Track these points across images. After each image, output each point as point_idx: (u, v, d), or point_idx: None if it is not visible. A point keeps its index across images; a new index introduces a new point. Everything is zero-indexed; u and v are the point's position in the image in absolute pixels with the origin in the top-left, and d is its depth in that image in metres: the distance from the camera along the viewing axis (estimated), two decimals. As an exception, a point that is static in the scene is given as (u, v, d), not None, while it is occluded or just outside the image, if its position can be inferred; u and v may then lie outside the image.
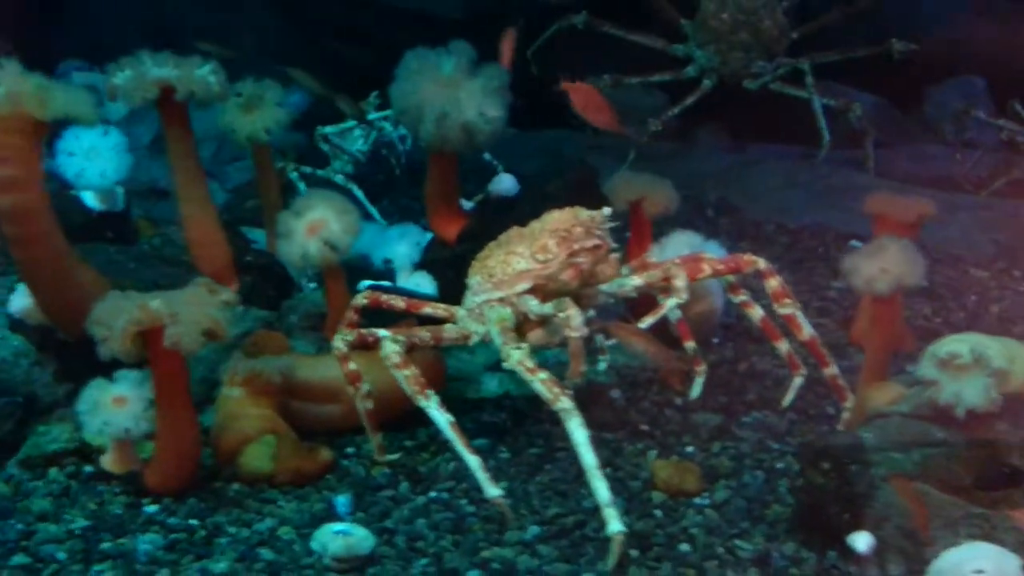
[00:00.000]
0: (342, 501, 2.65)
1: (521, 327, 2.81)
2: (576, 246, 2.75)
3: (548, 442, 2.97)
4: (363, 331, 2.80)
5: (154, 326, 2.47)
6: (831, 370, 2.95)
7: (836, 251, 4.37)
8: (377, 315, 3.08)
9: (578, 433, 2.39)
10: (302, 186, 4.80)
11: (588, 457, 2.37)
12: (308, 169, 4.87)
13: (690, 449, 2.91)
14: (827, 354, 2.95)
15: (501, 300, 2.79)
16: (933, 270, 4.16)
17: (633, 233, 3.68)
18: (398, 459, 2.88)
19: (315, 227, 3.22)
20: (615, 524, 2.33)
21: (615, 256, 2.83)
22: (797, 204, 5.02)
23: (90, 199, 3.80)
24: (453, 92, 3.40)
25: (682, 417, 3.11)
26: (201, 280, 2.63)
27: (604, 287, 2.87)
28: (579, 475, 2.73)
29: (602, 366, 3.37)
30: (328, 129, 4.95)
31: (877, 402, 2.49)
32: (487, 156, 4.98)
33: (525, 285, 2.77)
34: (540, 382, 2.44)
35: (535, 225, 2.86)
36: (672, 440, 2.97)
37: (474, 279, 2.87)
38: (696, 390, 3.19)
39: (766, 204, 5.04)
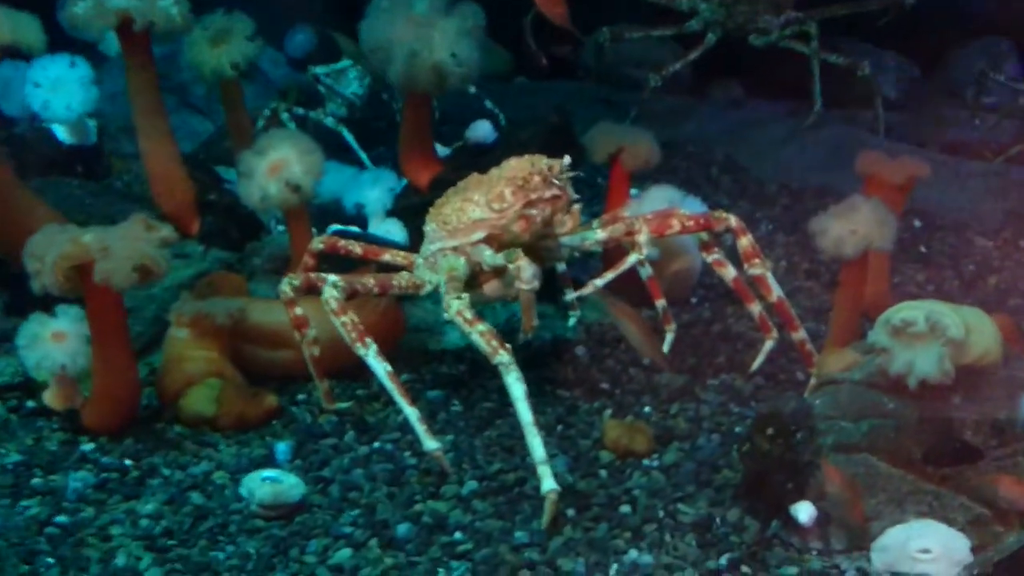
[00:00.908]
0: (282, 448, 2.65)
1: (477, 278, 2.78)
2: (533, 196, 2.71)
3: (503, 397, 2.91)
4: (311, 275, 2.78)
5: (85, 261, 2.46)
6: (799, 334, 2.91)
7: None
8: (342, 262, 3.07)
9: (515, 388, 2.37)
10: (292, 127, 4.76)
11: (525, 413, 2.36)
12: (300, 110, 4.82)
13: (647, 409, 2.88)
14: (795, 317, 2.90)
15: (455, 249, 2.76)
16: (934, 237, 4.10)
17: (611, 187, 3.63)
18: (348, 408, 2.87)
19: (276, 167, 3.19)
20: (548, 482, 2.32)
21: (576, 208, 2.78)
22: (803, 164, 4.93)
23: (61, 132, 3.79)
24: (425, 31, 3.34)
25: (646, 377, 3.07)
26: (139, 216, 2.61)
27: (566, 240, 2.83)
28: (536, 420, 2.73)
29: (571, 322, 3.36)
30: (320, 69, 4.90)
31: (830, 368, 2.45)
32: (488, 103, 4.93)
33: (479, 234, 2.74)
34: (478, 334, 2.42)
35: (493, 173, 2.82)
36: (630, 400, 2.94)
37: (429, 226, 2.84)
38: (664, 348, 3.15)
39: (771, 163, 4.95)
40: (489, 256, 2.71)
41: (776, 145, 5.03)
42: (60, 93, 3.57)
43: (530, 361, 3.12)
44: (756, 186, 4.74)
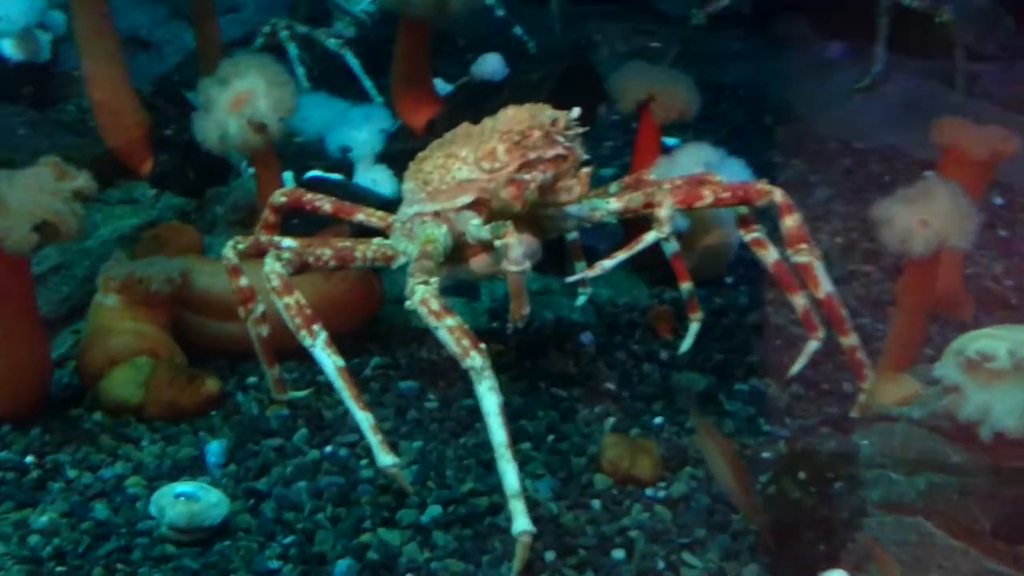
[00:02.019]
0: (214, 449, 2.30)
1: (463, 250, 2.40)
2: (532, 155, 2.31)
3: (488, 394, 2.57)
4: (263, 238, 2.41)
5: (-25, 217, 2.11)
6: (849, 339, 2.49)
7: (905, 182, 3.85)
8: (309, 218, 2.71)
9: (488, 400, 2.00)
10: (292, 48, 4.37)
11: (498, 432, 1.99)
12: (302, 29, 4.42)
13: (659, 420, 2.50)
14: (847, 318, 2.48)
15: (436, 215, 2.37)
16: (1018, 219, 3.64)
17: (638, 142, 3.21)
18: (303, 398, 2.52)
19: (239, 101, 2.81)
20: (522, 520, 1.96)
21: (585, 171, 2.37)
22: (870, 120, 4.46)
23: (7, 47, 3.42)
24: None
25: (661, 376, 2.69)
26: (49, 159, 2.24)
27: (572, 210, 2.43)
28: (512, 442, 2.37)
29: (580, 301, 2.98)
30: (325, -23, 4.50)
31: (884, 399, 2.05)
32: (518, 29, 4.51)
33: (465, 199, 2.34)
34: (447, 330, 2.04)
35: (487, 124, 2.41)
36: (640, 406, 2.56)
37: (408, 185, 2.45)
38: (686, 343, 2.76)
39: (834, 117, 4.49)
40: (474, 227, 2.33)
41: (841, 95, 4.56)
42: (-1, 1, 3.19)
43: (523, 347, 2.76)
44: (814, 142, 4.29)
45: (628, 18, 5.26)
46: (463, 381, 2.62)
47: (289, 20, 4.44)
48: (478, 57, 3.36)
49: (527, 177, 2.27)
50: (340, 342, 2.64)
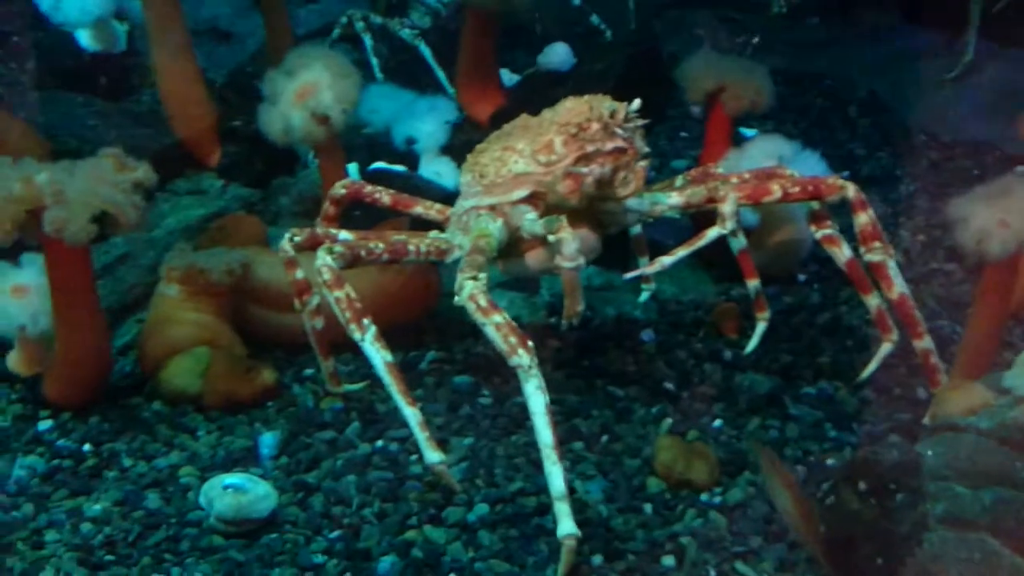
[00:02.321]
0: (268, 440, 2.32)
1: (518, 245, 2.37)
2: (590, 148, 2.26)
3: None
4: (320, 231, 2.40)
5: (37, 206, 2.14)
6: (923, 343, 2.39)
7: (995, 177, 3.69)
8: (371, 210, 2.71)
9: (535, 399, 1.96)
10: (367, 39, 4.39)
11: (544, 432, 1.95)
12: (378, 19, 4.43)
13: (718, 423, 2.43)
14: (920, 320, 2.39)
15: (492, 208, 2.34)
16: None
17: (708, 134, 3.14)
18: (358, 391, 2.52)
19: (305, 92, 2.82)
20: (567, 524, 1.92)
21: (642, 164, 2.31)
22: (961, 111, 4.29)
23: (84, 38, 3.49)
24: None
25: (724, 377, 2.62)
26: (109, 151, 2.27)
27: (632, 203, 2.37)
28: (563, 440, 2.34)
29: (643, 296, 2.93)
30: (401, -32, 4.50)
31: (952, 407, 1.95)
32: (595, 19, 4.46)
33: (522, 192, 2.31)
34: (494, 326, 2.01)
35: (546, 116, 2.37)
36: (699, 408, 2.50)
37: (464, 178, 2.43)
38: (752, 343, 2.69)
39: (923, 107, 4.34)
40: (529, 221, 2.29)
41: (930, 85, 4.39)
42: (73, -9, 3.26)
43: (582, 344, 2.72)
44: (901, 134, 4.15)
45: (711, 5, 5.16)
46: (517, 378, 2.61)
47: (365, 11, 4.46)
48: (544, 48, 3.32)
49: (584, 171, 2.23)
50: (396, 335, 2.66)
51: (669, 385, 2.58)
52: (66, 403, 2.38)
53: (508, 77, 3.52)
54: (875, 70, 4.61)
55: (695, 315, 2.89)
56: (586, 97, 2.34)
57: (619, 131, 2.27)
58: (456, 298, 2.09)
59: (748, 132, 4.09)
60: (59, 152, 2.72)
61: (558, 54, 3.24)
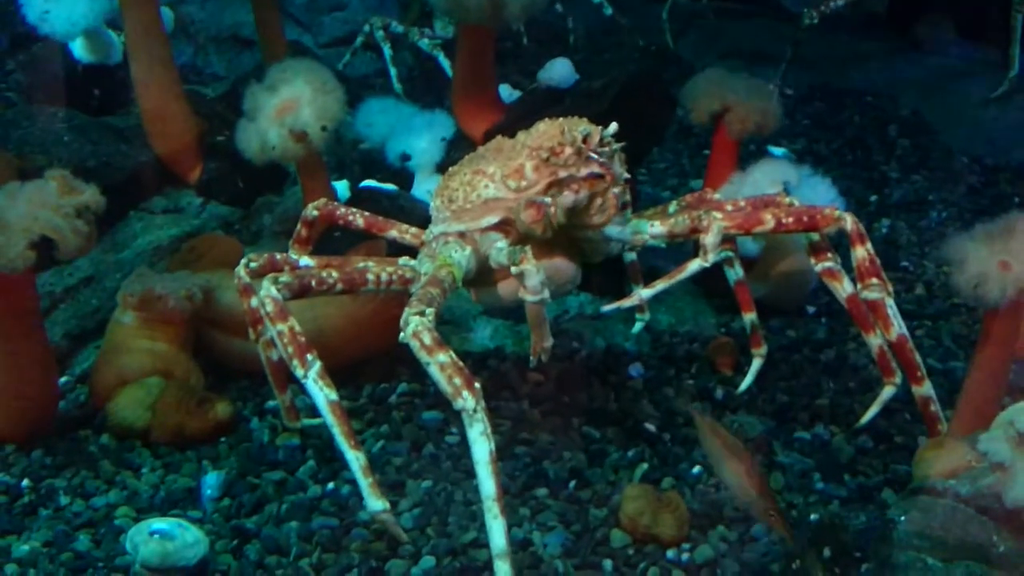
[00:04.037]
0: (211, 481, 2.23)
1: (490, 274, 2.25)
2: (563, 174, 2.14)
3: (516, 429, 2.43)
4: (277, 256, 2.32)
5: (-29, 232, 2.08)
6: (923, 389, 2.25)
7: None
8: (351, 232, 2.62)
9: (479, 446, 1.85)
10: (386, 48, 4.34)
11: (487, 482, 1.83)
12: (399, 28, 4.37)
13: (696, 470, 2.30)
14: (920, 364, 2.25)
15: (461, 235, 2.23)
16: None
17: (712, 157, 3.00)
18: (317, 426, 2.42)
19: (285, 108, 2.75)
20: (506, 584, 1.80)
21: (615, 191, 2.18)
22: (1007, 133, 4.10)
23: (78, 49, 3.46)
24: (481, -55, 2.79)
25: (713, 417, 2.47)
26: (55, 173, 2.20)
27: (612, 232, 2.25)
28: (528, 485, 2.23)
29: (636, 328, 2.80)
30: (422, -26, 4.45)
31: (932, 468, 1.79)
32: (623, 20, 4.37)
33: (492, 219, 2.20)
34: (438, 366, 1.90)
35: (520, 138, 2.26)
36: (679, 452, 2.36)
37: (434, 202, 2.32)
38: (746, 381, 2.55)
39: (967, 128, 4.16)
40: (497, 251, 2.18)
41: (976, 105, 4.20)
42: (61, 2, 3.21)
43: (564, 378, 2.60)
44: (941, 156, 3.99)
45: (751, 17, 5.03)
46: (491, 415, 2.49)
47: (386, 19, 4.40)
48: (547, 63, 3.20)
49: (548, 200, 2.11)
50: (367, 366, 2.58)
51: (650, 426, 2.45)
52: (10, 436, 2.32)
53: (508, 93, 3.41)
54: (920, 87, 4.43)
55: (689, 349, 2.76)
56: (560, 120, 2.22)
57: (594, 156, 2.15)
58: (401, 334, 1.98)
59: (776, 151, 3.94)
60: (27, 170, 2.67)
61: (559, 70, 3.12)
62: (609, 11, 4.32)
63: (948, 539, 1.65)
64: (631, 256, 2.74)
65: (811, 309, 2.95)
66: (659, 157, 4.02)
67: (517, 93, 3.37)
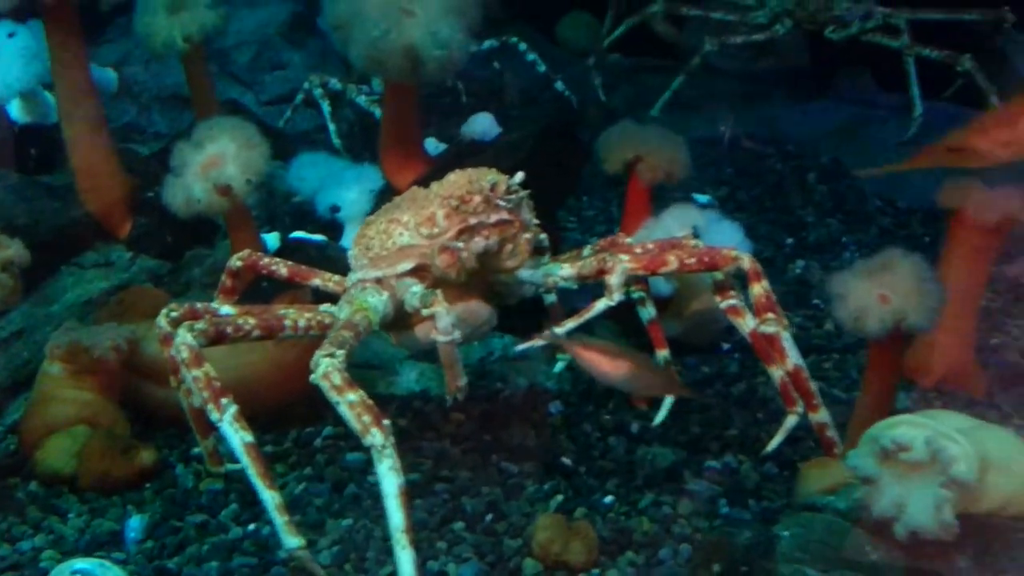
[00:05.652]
0: (135, 524, 2.29)
1: (408, 318, 2.35)
2: (472, 221, 2.26)
3: (437, 467, 2.51)
4: (198, 305, 2.39)
5: None
6: (819, 416, 2.37)
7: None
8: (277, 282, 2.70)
9: (388, 480, 1.93)
10: (325, 105, 4.44)
11: (395, 515, 1.92)
12: (338, 86, 4.47)
13: (609, 499, 2.39)
14: (815, 393, 2.37)
15: (378, 281, 2.33)
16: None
17: (627, 204, 3.13)
18: (240, 470, 2.47)
19: (210, 164, 2.84)
20: (414, 616, 1.87)
21: (526, 236, 2.31)
22: (918, 177, 4.26)
23: (15, 110, 3.54)
24: (399, 4, 2.91)
25: (627, 450, 2.58)
26: (-23, 229, 2.28)
27: (525, 275, 2.37)
28: (446, 519, 2.30)
29: (558, 367, 2.90)
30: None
31: (813, 485, 1.90)
32: (559, 85, 4.51)
33: (407, 265, 2.30)
34: (347, 405, 1.99)
35: (433, 188, 2.38)
36: (593, 484, 2.45)
37: (353, 250, 2.43)
38: (660, 415, 2.66)
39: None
40: (411, 295, 2.28)
41: (890, 149, 4.38)
42: (-5, 65, 3.30)
43: (486, 417, 2.69)
44: (856, 200, 4.15)
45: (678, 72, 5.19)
46: (413, 452, 2.58)
47: (324, 76, 4.50)
48: (469, 118, 3.34)
49: (460, 245, 2.23)
50: (293, 410, 2.66)
51: (567, 460, 2.53)
52: (-62, 483, 2.37)
53: (435, 146, 3.53)
54: (839, 134, 4.61)
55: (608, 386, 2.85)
56: (468, 170, 2.35)
57: (502, 203, 2.27)
58: (311, 375, 2.07)
59: (702, 198, 4.09)
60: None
61: (481, 124, 3.26)
62: (543, 68, 4.47)
63: (826, 551, 1.74)
64: (551, 298, 2.85)
65: (725, 346, 3.06)
66: (589, 205, 4.15)
67: (443, 146, 3.49)
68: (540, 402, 2.76)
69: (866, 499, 1.71)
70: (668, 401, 2.66)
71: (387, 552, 2.21)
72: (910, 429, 1.65)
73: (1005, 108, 2.56)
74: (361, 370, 2.84)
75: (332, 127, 4.33)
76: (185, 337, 2.14)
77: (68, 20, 2.93)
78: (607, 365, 2.19)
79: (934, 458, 1.62)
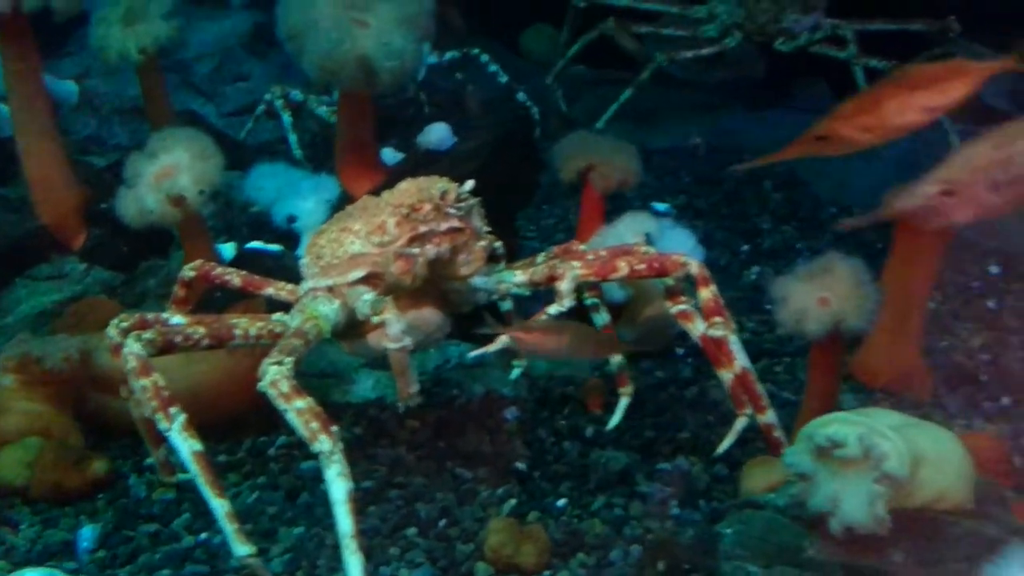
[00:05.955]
0: (87, 534, 2.29)
1: (360, 326, 2.37)
2: (423, 229, 2.28)
3: (391, 474, 2.53)
4: (148, 316, 2.40)
5: None
6: (766, 417, 2.40)
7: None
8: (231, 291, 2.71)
9: (336, 487, 1.94)
10: (285, 116, 4.44)
11: (344, 521, 1.93)
12: (299, 96, 4.47)
13: (562, 503, 2.41)
14: (763, 395, 2.40)
15: (330, 290, 2.35)
16: (1012, 289, 3.46)
17: (581, 212, 3.17)
18: (192, 479, 2.48)
19: (163, 175, 2.85)
20: (363, 619, 1.88)
21: (480, 244, 2.33)
22: (872, 184, 4.32)
23: (-33, 123, 3.53)
24: (349, 16, 2.94)
25: (580, 454, 2.60)
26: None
27: (478, 282, 2.39)
28: (399, 526, 2.32)
29: (514, 374, 2.91)
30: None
31: (755, 483, 1.93)
32: (521, 96, 4.54)
33: (358, 273, 2.32)
34: (295, 412, 2.00)
35: (384, 197, 2.40)
36: (546, 487, 2.47)
37: (304, 259, 2.44)
38: (614, 418, 2.68)
39: (836, 180, 4.39)
40: (363, 303, 2.30)
41: (844, 157, 4.44)
42: (-56, 81, 3.29)
43: (441, 424, 2.70)
44: (811, 207, 4.20)
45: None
46: (367, 460, 2.59)
47: (285, 88, 4.49)
48: (425, 128, 3.36)
49: (415, 252, 2.25)
50: (246, 419, 2.66)
51: (520, 465, 2.55)
52: None
53: (392, 155, 3.56)
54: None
55: (564, 391, 2.87)
56: (419, 179, 2.37)
57: (452, 211, 2.30)
58: (259, 384, 2.08)
59: (660, 206, 4.13)
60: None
61: (436, 133, 3.28)
62: (505, 79, 4.50)
63: (766, 547, 1.77)
64: (507, 305, 2.88)
65: (680, 351, 3.09)
66: (548, 214, 4.18)
67: (401, 155, 3.51)
68: (496, 408, 2.78)
69: (803, 495, 1.74)
70: (623, 404, 2.69)
71: (338, 559, 2.22)
72: (843, 427, 1.68)
73: (866, 94, 2.58)
74: (317, 378, 2.87)
75: (293, 138, 4.33)
76: (133, 347, 2.15)
77: (21, 33, 2.93)
78: (550, 341, 2.24)
79: (867, 454, 1.65)
